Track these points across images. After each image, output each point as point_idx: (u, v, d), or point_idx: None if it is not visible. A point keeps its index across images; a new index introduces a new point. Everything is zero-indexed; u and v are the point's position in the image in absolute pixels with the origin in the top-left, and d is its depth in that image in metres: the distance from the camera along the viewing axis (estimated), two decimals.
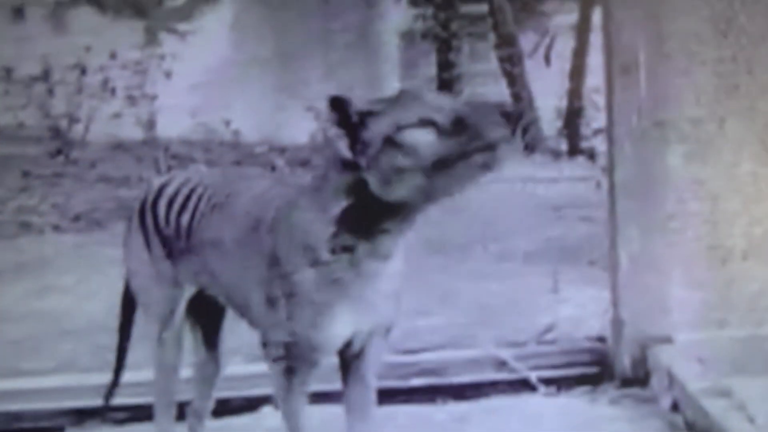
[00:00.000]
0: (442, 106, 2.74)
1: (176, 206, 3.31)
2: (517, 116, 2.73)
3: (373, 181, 2.78)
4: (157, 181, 3.46)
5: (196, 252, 3.25)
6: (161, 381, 3.47)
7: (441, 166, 2.71)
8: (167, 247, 3.33)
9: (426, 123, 2.72)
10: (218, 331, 3.52)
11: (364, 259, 2.86)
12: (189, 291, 3.36)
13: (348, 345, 3.05)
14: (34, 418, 4.13)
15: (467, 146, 2.70)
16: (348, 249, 2.86)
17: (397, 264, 2.92)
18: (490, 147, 2.68)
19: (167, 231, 3.31)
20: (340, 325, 2.95)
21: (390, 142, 2.74)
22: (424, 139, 2.71)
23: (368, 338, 3.06)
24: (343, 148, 2.79)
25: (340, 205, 2.84)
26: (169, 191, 3.35)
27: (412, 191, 2.75)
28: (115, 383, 3.61)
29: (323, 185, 2.89)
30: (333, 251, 2.86)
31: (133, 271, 3.46)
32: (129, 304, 3.55)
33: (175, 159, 8.87)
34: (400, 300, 3.01)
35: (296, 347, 3.00)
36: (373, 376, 3.14)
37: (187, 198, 3.30)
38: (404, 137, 2.72)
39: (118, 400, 4.06)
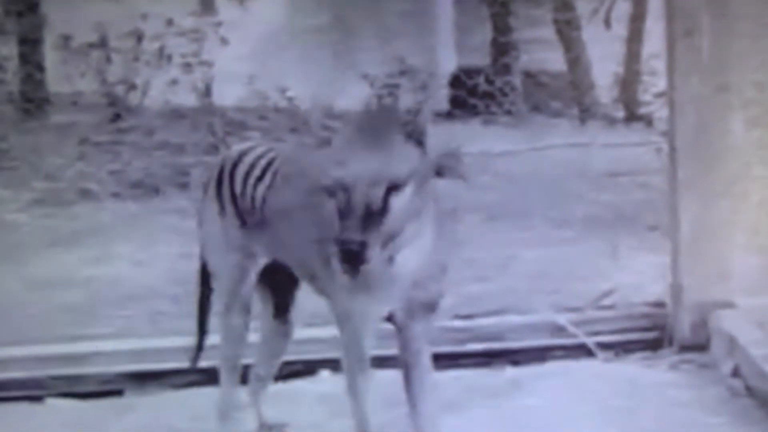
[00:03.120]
0: (355, 179, 2.74)
1: (253, 177, 3.34)
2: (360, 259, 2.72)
3: None
4: (235, 151, 3.48)
5: (269, 223, 3.28)
6: (227, 349, 3.48)
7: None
8: (241, 217, 3.36)
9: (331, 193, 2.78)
10: (290, 303, 3.53)
11: None
12: (261, 261, 3.38)
13: (392, 317, 3.08)
14: (94, 382, 4.16)
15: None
16: None
17: (414, 250, 2.91)
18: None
19: (243, 201, 3.35)
20: (367, 306, 2.99)
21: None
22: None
23: (410, 313, 3.07)
24: None
25: None
26: (246, 161, 3.39)
27: None
28: (199, 347, 3.62)
29: None
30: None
31: (206, 239, 3.49)
32: (207, 271, 3.56)
33: (230, 126, 8.89)
34: (441, 274, 3.02)
35: (345, 320, 3.06)
36: (422, 346, 3.14)
37: (264, 170, 3.33)
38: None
39: (176, 365, 4.11)
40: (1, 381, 4.15)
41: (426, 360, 3.16)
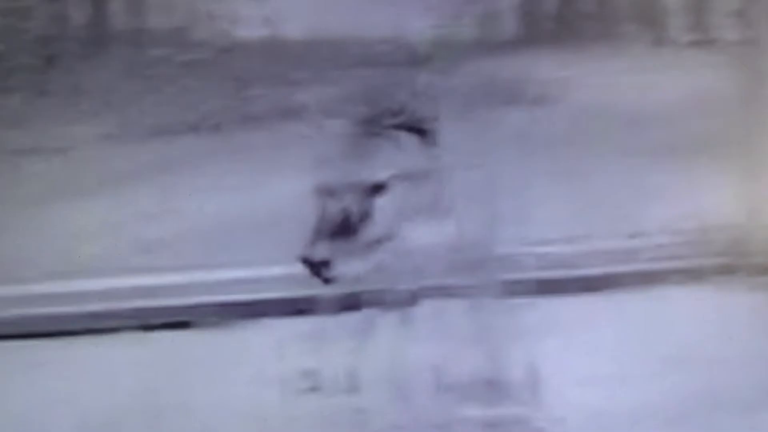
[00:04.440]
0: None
1: None
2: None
3: None
4: None
5: None
6: None
7: None
8: None
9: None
10: None
11: None
12: None
13: None
14: (164, 314, 4.19)
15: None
16: None
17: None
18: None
19: None
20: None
21: None
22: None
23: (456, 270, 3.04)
24: None
25: None
26: None
27: None
28: None
29: None
30: None
31: None
32: None
33: (297, 59, 8.85)
34: (488, 231, 2.98)
35: None
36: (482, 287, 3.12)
37: None
38: None
39: (244, 296, 4.14)
40: (76, 314, 4.20)
41: (487, 296, 3.13)
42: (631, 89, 7.36)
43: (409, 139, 2.71)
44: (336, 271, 2.60)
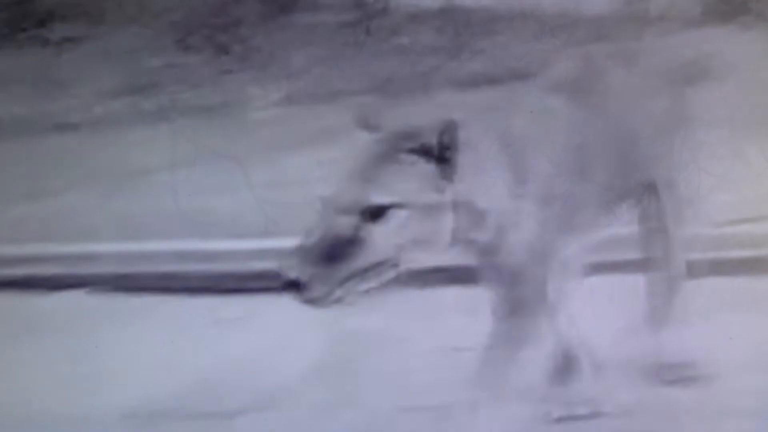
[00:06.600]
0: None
1: None
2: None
3: None
4: None
5: None
6: None
7: None
8: None
9: None
10: None
11: None
12: None
13: None
14: None
15: None
16: None
17: None
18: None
19: None
20: None
21: None
22: None
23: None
24: None
25: None
26: None
27: None
28: None
29: None
30: None
31: None
32: None
33: (476, 29, 8.78)
34: None
35: None
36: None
37: None
38: None
39: None
40: (251, 273, 4.22)
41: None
42: None
43: (425, 167, 2.55)
44: (312, 293, 2.46)
